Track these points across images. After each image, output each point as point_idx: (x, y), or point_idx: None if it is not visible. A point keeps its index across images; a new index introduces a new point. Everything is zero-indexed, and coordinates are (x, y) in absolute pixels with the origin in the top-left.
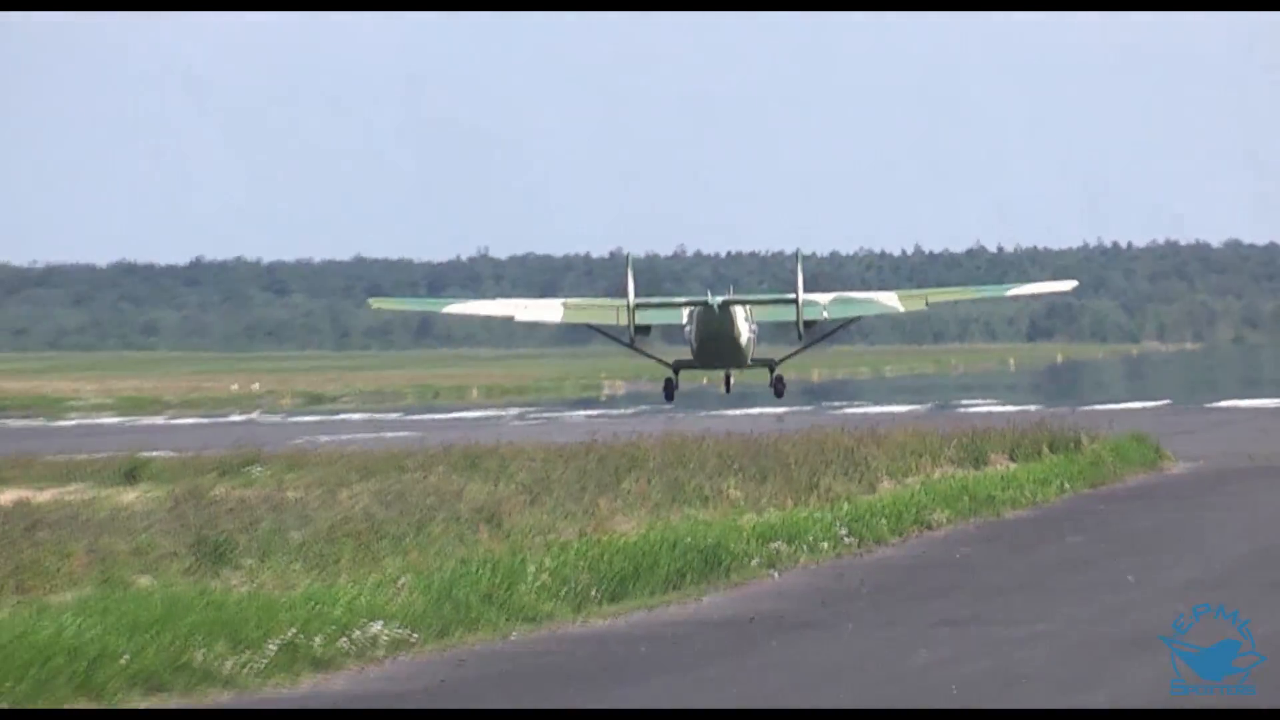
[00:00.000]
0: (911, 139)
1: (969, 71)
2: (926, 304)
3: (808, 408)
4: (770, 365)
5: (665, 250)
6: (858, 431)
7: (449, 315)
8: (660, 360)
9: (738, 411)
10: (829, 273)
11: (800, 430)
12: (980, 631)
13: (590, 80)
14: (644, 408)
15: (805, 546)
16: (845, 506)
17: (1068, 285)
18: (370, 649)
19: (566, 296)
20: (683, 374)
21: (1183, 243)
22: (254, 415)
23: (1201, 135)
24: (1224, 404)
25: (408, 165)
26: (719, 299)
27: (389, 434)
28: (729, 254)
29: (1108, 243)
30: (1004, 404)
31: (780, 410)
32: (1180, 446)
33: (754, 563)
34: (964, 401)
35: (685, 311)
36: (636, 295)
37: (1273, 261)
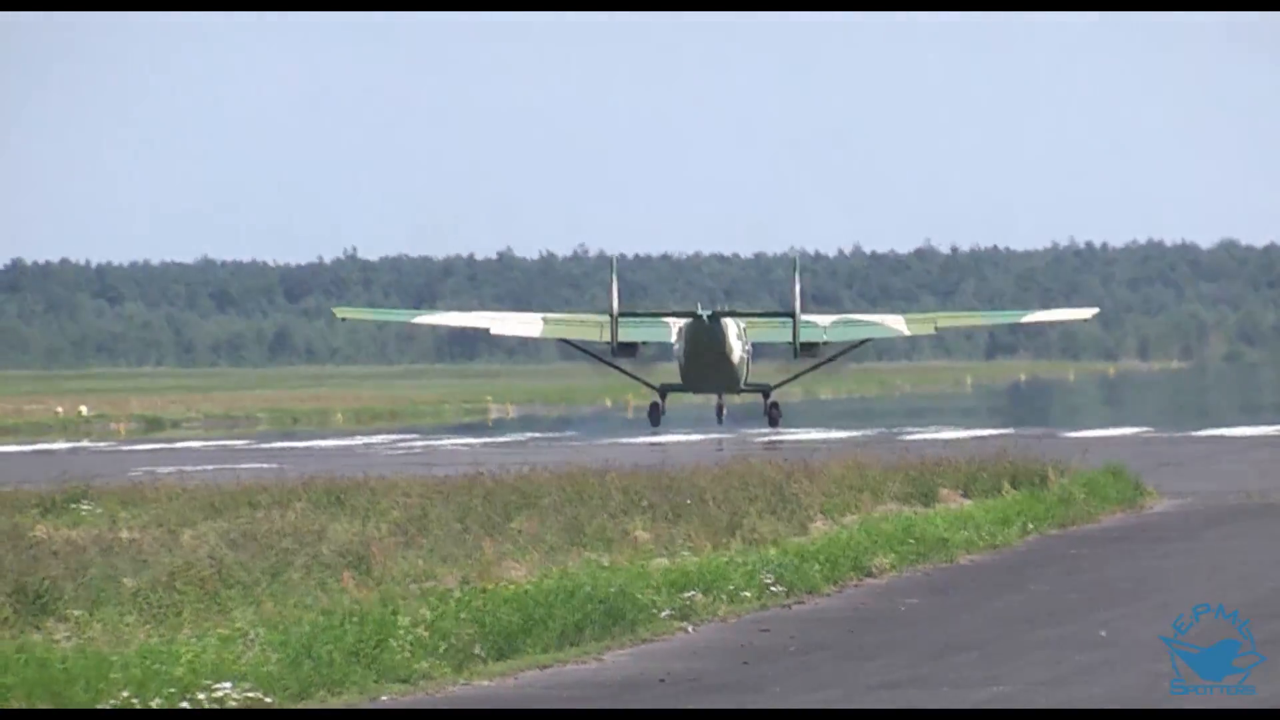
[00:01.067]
0: (843, 125)
1: (911, 47)
2: (935, 329)
3: (729, 435)
4: (765, 390)
5: (563, 250)
6: (787, 463)
7: (418, 325)
8: (646, 382)
9: (644, 440)
10: (753, 277)
11: (721, 461)
12: (927, 696)
13: (469, 58)
14: (538, 435)
15: (725, 596)
16: (772, 550)
17: (1088, 313)
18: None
19: (449, 302)
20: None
21: (1169, 243)
22: (83, 443)
23: (1190, 118)
24: (1216, 432)
25: (261, 153)
26: (709, 310)
27: (240, 465)
28: (636, 256)
29: (1080, 243)
30: (959, 430)
31: (722, 435)
32: (1165, 481)
33: (664, 615)
34: (911, 428)
35: (675, 329)
36: (620, 308)
37: (1273, 266)
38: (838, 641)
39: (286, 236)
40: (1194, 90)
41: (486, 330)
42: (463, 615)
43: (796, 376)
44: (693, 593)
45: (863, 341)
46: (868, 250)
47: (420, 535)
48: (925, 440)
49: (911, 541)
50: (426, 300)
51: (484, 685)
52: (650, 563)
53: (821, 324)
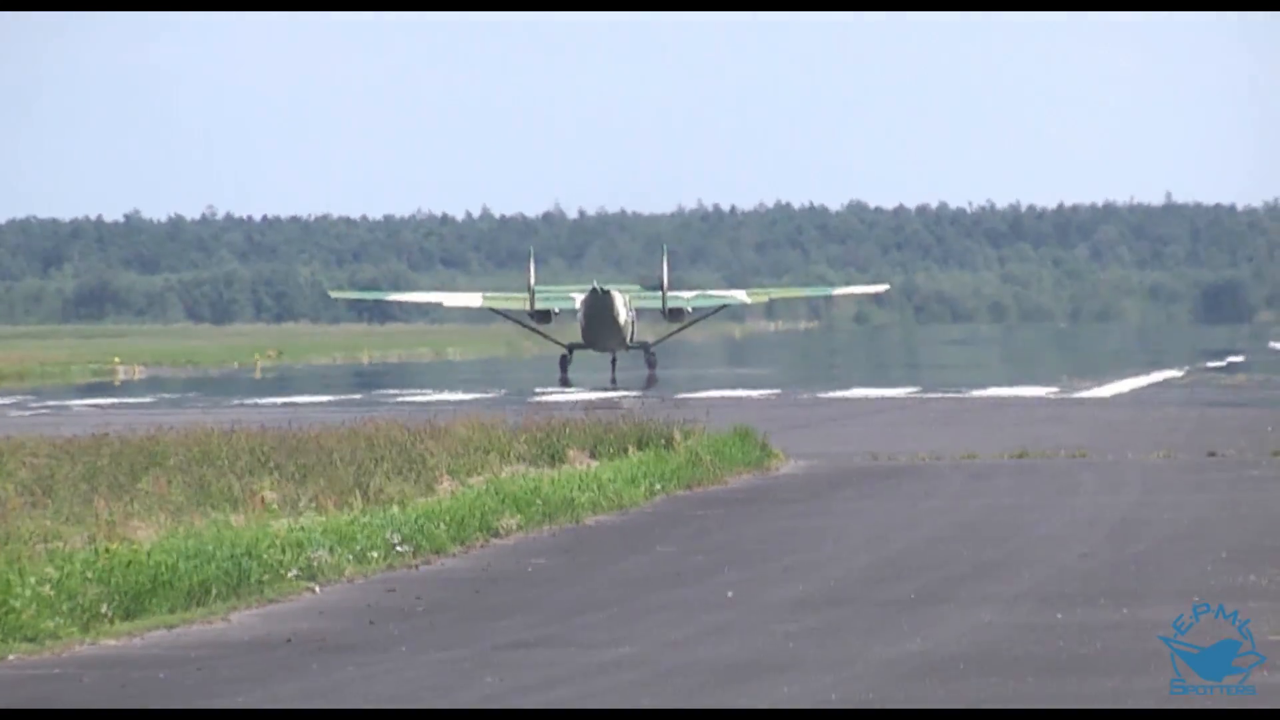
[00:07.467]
0: (469, 90)
1: (534, 18)
2: (769, 299)
3: (356, 395)
4: (645, 346)
5: (192, 213)
6: (414, 423)
7: (392, 302)
8: (556, 341)
9: (280, 400)
10: (381, 240)
11: (347, 422)
12: (555, 655)
13: (112, 24)
14: (165, 396)
15: (351, 556)
16: (398, 510)
17: (881, 288)
18: None
19: (77, 264)
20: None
21: (796, 206)
22: None
23: (822, 82)
24: (843, 393)
25: None
26: (603, 285)
27: None
28: (265, 217)
29: (709, 205)
30: (585, 391)
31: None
32: (792, 443)
33: (291, 575)
34: (538, 389)
35: (578, 300)
36: (528, 281)
37: (901, 228)
38: (465, 602)
39: None
40: (828, 56)
41: (439, 304)
42: (89, 575)
43: (669, 335)
44: (319, 552)
45: (720, 308)
46: (496, 214)
47: (46, 496)
48: (552, 402)
49: (539, 502)
50: (52, 262)
51: (110, 644)
52: (276, 522)
53: (686, 297)
